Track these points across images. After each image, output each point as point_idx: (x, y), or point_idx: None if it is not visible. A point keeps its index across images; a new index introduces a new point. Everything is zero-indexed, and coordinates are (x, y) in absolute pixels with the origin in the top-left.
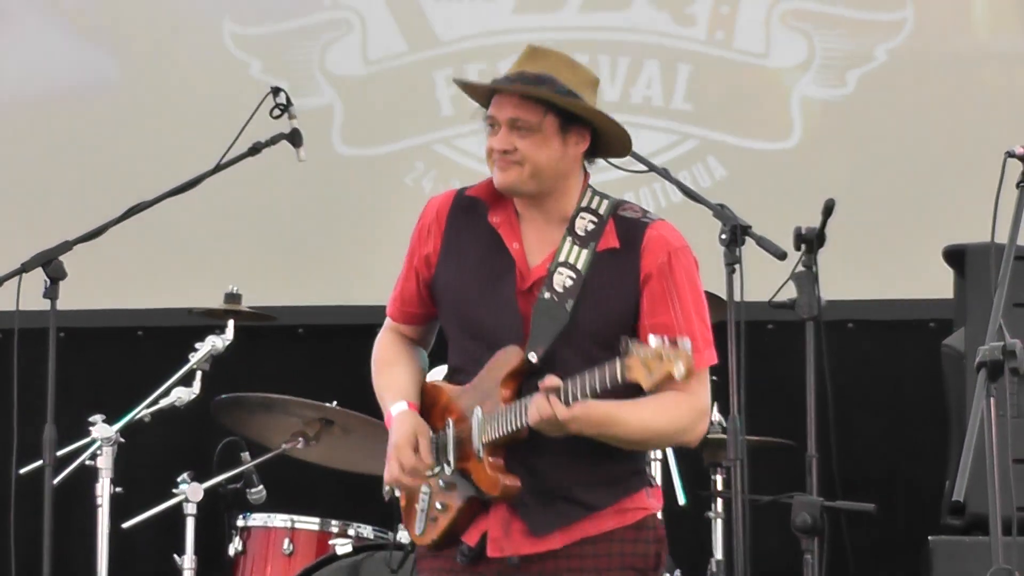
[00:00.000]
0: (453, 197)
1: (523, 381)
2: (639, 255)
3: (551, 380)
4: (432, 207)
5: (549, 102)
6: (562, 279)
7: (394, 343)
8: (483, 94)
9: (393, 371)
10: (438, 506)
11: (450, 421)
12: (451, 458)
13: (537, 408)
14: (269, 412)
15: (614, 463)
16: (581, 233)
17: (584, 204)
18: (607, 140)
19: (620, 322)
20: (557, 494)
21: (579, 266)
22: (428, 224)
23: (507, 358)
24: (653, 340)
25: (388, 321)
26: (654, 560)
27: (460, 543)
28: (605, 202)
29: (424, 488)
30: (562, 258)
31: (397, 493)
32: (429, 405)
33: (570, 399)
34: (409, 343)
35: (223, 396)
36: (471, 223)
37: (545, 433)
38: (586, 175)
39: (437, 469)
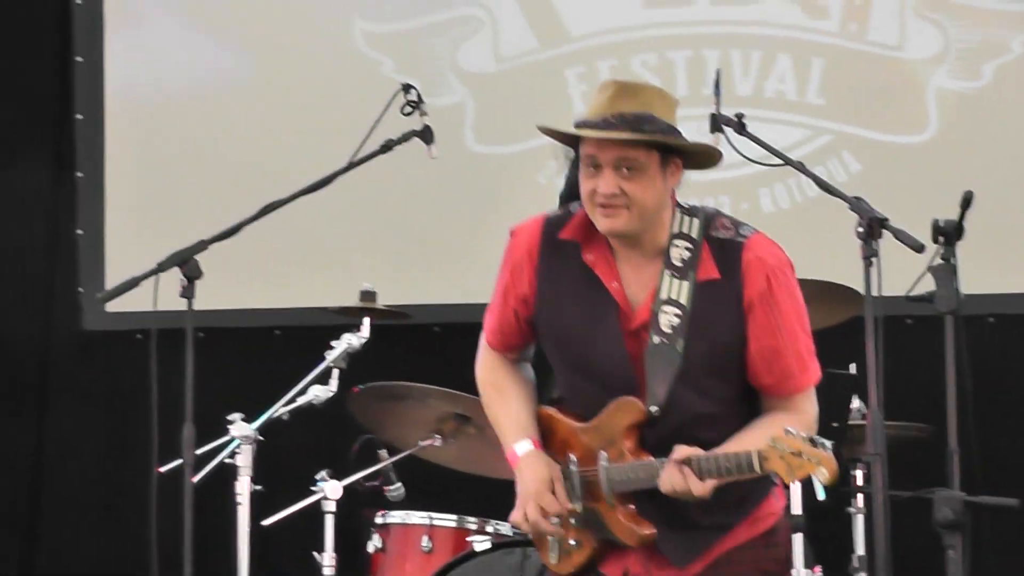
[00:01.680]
0: (541, 231)
1: (644, 431)
2: (740, 283)
3: (683, 451)
4: (521, 242)
5: (655, 142)
6: (668, 318)
7: (501, 366)
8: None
9: (507, 400)
10: (572, 542)
11: (573, 458)
12: (580, 497)
13: (671, 481)
14: (403, 403)
15: (745, 481)
16: (678, 263)
17: (676, 230)
18: (695, 161)
19: (728, 351)
20: (694, 524)
21: (682, 300)
22: (519, 262)
23: (628, 410)
24: (791, 434)
25: (486, 344)
26: (784, 564)
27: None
28: (695, 222)
29: (552, 518)
30: (664, 295)
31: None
32: (545, 434)
33: (703, 475)
34: (513, 363)
35: (360, 387)
36: (565, 261)
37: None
38: (673, 196)
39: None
